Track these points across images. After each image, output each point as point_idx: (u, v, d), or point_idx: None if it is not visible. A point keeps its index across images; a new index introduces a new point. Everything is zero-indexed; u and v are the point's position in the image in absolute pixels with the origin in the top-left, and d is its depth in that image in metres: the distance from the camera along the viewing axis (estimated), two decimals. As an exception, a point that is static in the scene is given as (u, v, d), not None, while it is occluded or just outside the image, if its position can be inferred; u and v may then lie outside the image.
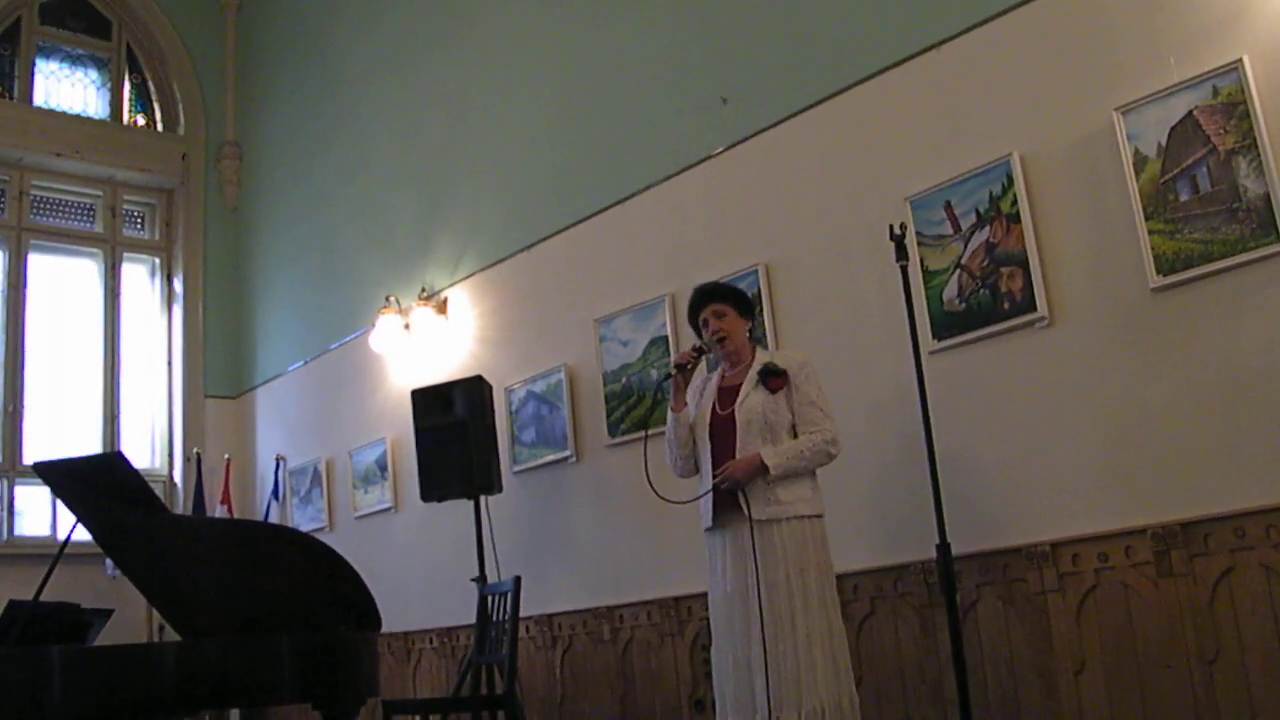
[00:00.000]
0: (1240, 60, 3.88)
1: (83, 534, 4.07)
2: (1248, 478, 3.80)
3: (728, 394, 4.22)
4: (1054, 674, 4.21)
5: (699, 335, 4.39)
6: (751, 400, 4.12)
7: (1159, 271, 4.04)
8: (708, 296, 4.37)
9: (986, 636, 4.42)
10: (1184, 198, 4.00)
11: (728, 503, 4.07)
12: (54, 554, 4.10)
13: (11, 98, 9.26)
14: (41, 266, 9.21)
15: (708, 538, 4.21)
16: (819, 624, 3.88)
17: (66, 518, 7.62)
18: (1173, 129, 4.05)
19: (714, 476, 4.12)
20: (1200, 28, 4.04)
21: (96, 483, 3.94)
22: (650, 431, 4.56)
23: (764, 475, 3.99)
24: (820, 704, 3.78)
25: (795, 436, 4.08)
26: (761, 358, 4.23)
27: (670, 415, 4.34)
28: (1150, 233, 4.07)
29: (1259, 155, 3.82)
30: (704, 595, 4.74)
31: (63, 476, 4.10)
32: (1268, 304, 3.82)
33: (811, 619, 3.87)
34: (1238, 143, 3.88)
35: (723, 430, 4.16)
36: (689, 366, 4.29)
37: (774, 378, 4.12)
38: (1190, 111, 4.01)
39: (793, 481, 4.01)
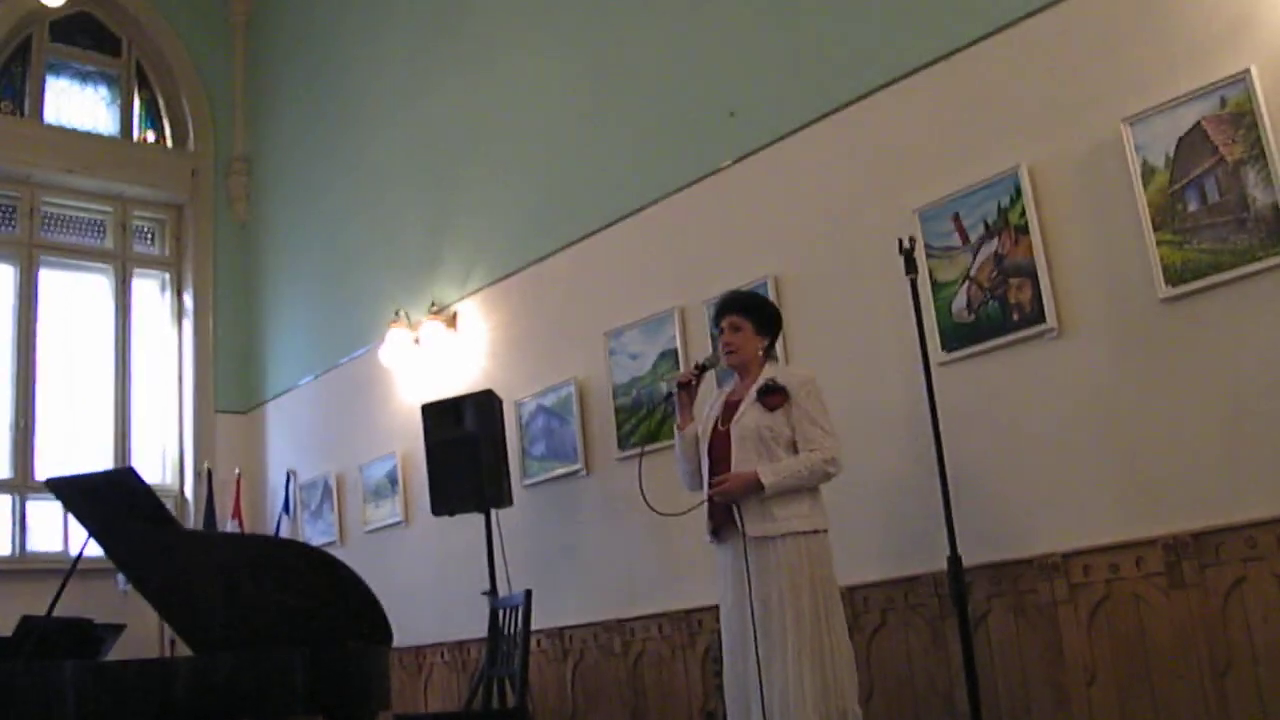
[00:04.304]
0: (1247, 71, 3.89)
1: (95, 549, 4.09)
2: (1258, 487, 3.80)
3: (731, 409, 4.20)
4: (1065, 685, 4.20)
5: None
6: (748, 417, 4.09)
7: (1168, 282, 4.04)
8: (729, 306, 4.33)
9: (998, 648, 4.41)
10: (1192, 208, 4.01)
11: (726, 519, 4.06)
12: (66, 569, 4.12)
13: (22, 115, 9.30)
14: (52, 283, 9.24)
15: (715, 551, 4.20)
16: (810, 642, 3.82)
17: (79, 533, 7.64)
18: (1181, 139, 4.05)
19: (708, 490, 4.14)
20: (1207, 38, 4.04)
21: (108, 498, 3.96)
22: (648, 448, 4.57)
23: (759, 493, 3.95)
24: None
25: (795, 453, 4.03)
26: (769, 373, 4.17)
27: (676, 433, 4.34)
28: (1159, 243, 4.07)
29: (1267, 165, 3.82)
30: (715, 608, 4.73)
31: (75, 492, 4.12)
32: (1277, 313, 3.82)
33: (802, 636, 3.82)
34: (1246, 153, 3.88)
35: (720, 445, 4.15)
36: (692, 384, 4.30)
37: (771, 395, 4.06)
38: (1198, 122, 4.01)
39: (789, 498, 3.96)
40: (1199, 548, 3.90)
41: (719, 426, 4.20)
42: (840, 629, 3.94)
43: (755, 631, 3.88)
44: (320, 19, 9.39)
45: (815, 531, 3.98)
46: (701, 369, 4.32)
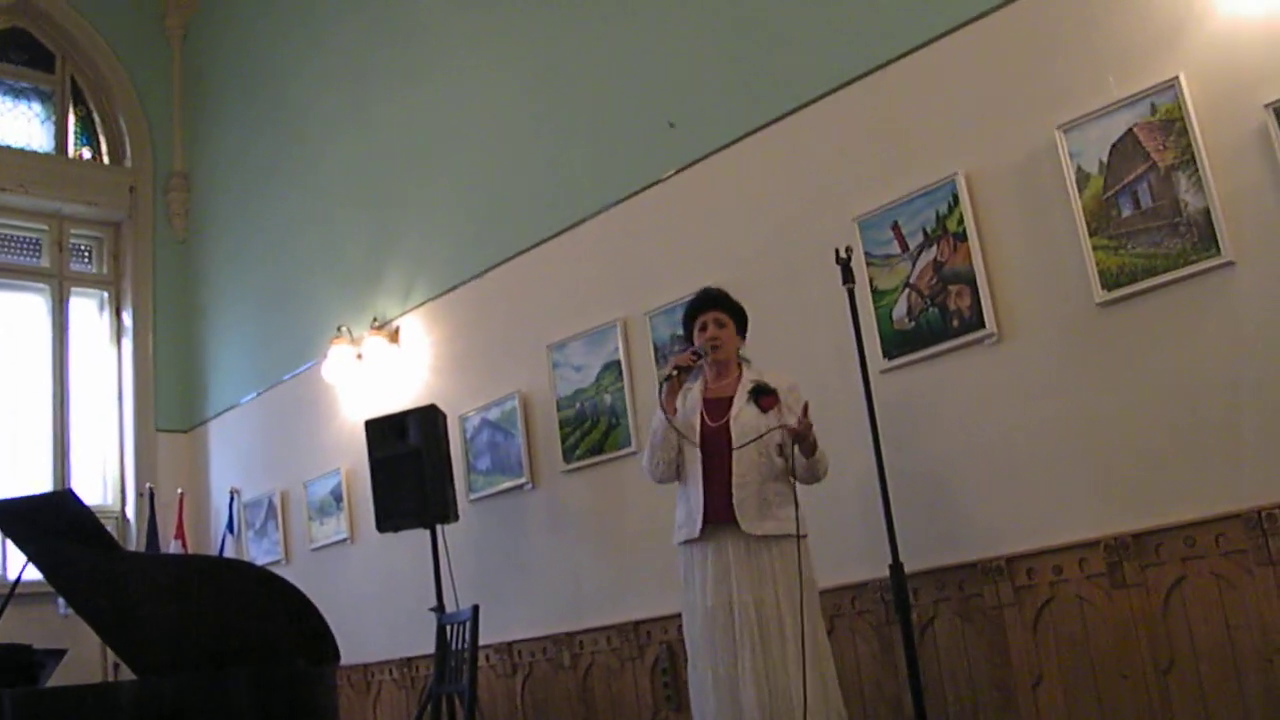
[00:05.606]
0: (1177, 78, 3.96)
1: (34, 573, 4.01)
2: (1196, 488, 3.86)
3: (716, 405, 4.20)
4: (1012, 687, 4.24)
5: (689, 335, 4.37)
6: (745, 415, 4.12)
7: (1104, 286, 4.10)
8: (714, 302, 4.35)
9: (944, 651, 4.45)
10: (1126, 213, 4.07)
11: (716, 517, 4.05)
12: (4, 594, 4.04)
13: (-47, 132, 9.16)
14: (-14, 303, 9.10)
15: (685, 551, 4.16)
16: (807, 641, 3.87)
17: (17, 557, 7.51)
18: (1114, 146, 4.12)
19: (712, 480, 4.10)
20: (1138, 47, 4.12)
21: (47, 521, 3.89)
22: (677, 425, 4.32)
23: (811, 454, 4.03)
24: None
25: (783, 455, 4.07)
26: (749, 375, 4.22)
27: (662, 418, 4.18)
28: (1095, 248, 4.13)
29: (1197, 170, 3.90)
30: (664, 619, 4.73)
31: (12, 515, 4.04)
32: (1211, 315, 3.89)
33: (798, 637, 3.87)
34: (1177, 159, 3.96)
35: (715, 441, 4.13)
36: (689, 369, 4.22)
37: (765, 396, 4.12)
38: (1130, 129, 4.08)
39: (785, 500, 4.03)
40: (1139, 548, 3.95)
41: (708, 422, 4.18)
42: (824, 631, 4.04)
43: (755, 630, 3.89)
44: (259, 33, 9.30)
45: (804, 535, 4.06)
46: (698, 356, 4.27)
